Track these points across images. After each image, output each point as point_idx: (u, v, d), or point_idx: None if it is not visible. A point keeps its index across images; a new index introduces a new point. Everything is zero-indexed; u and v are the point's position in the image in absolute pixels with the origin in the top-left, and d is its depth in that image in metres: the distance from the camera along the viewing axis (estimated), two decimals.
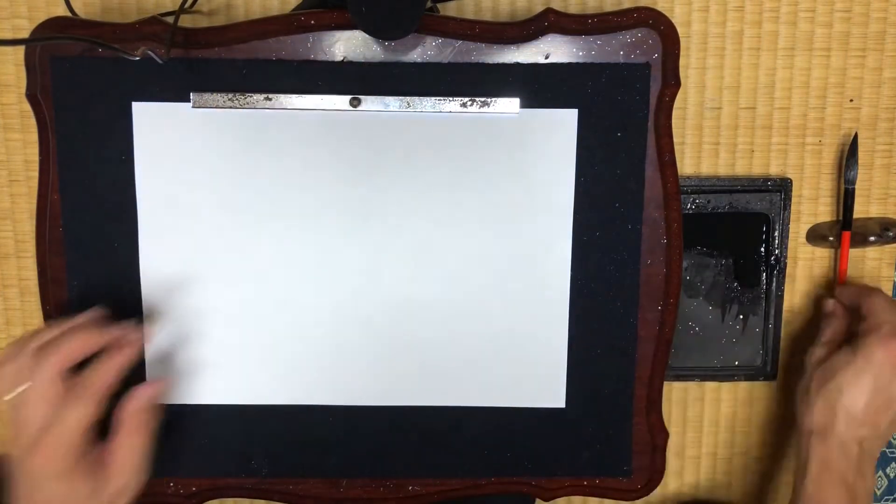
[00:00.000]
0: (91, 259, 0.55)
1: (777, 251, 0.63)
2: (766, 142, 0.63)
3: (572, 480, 0.59)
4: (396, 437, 0.58)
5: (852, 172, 0.61)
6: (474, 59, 0.54)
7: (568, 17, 0.53)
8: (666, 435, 0.59)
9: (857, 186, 0.62)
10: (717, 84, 0.62)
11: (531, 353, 0.57)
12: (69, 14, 0.56)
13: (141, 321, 0.56)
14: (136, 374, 0.56)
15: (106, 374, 0.50)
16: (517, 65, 0.54)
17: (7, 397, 0.48)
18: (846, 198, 0.62)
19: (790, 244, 0.64)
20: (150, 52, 0.50)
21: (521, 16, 0.57)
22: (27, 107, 0.55)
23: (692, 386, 0.66)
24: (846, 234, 0.62)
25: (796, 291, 0.65)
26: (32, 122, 0.55)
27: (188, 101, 0.54)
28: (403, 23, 0.51)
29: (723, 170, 0.63)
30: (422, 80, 0.54)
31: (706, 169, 0.63)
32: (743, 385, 0.66)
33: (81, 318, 0.51)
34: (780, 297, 0.64)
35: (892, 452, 0.71)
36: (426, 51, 0.54)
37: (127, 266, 0.55)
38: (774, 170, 0.63)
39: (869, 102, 0.62)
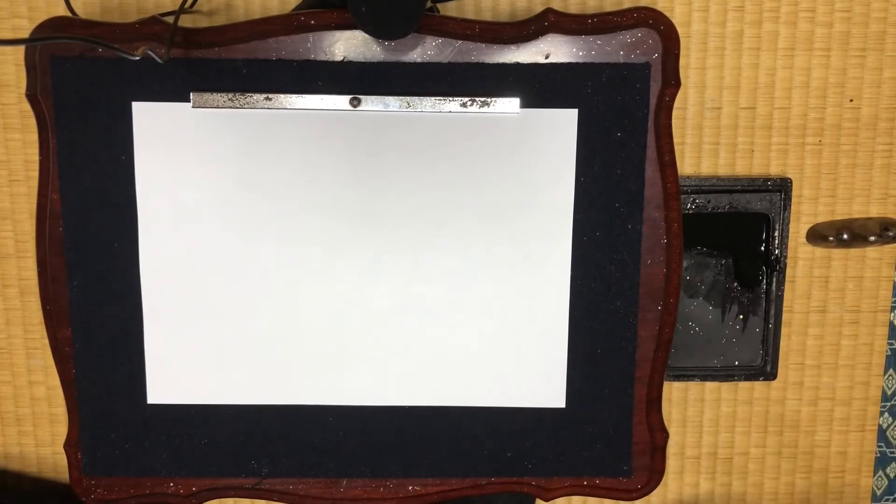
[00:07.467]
0: (91, 259, 0.55)
1: (777, 251, 0.63)
2: (766, 142, 0.63)
3: (572, 480, 0.59)
4: (396, 437, 0.58)
5: None
6: (474, 59, 0.54)
7: (568, 17, 0.53)
8: (666, 435, 0.59)
9: (856, 186, 0.63)
10: (717, 84, 0.62)
11: (531, 353, 0.57)
12: (69, 14, 0.56)
13: (141, 320, 0.56)
14: (136, 374, 0.57)
15: None
16: (517, 65, 0.54)
17: None
18: None
19: (790, 244, 0.64)
20: (150, 52, 0.50)
21: (521, 16, 0.57)
22: (27, 107, 0.55)
23: (692, 386, 0.66)
24: None
25: (796, 291, 0.65)
26: (32, 122, 0.55)
27: (188, 101, 0.54)
28: (403, 23, 0.51)
29: (723, 170, 0.63)
30: (422, 80, 0.54)
31: (706, 169, 0.63)
32: (743, 385, 0.66)
33: None
34: (780, 297, 0.64)
35: (893, 452, 0.71)
36: (426, 51, 0.54)
37: (127, 266, 0.55)
38: (774, 170, 0.63)
39: (869, 102, 0.62)
